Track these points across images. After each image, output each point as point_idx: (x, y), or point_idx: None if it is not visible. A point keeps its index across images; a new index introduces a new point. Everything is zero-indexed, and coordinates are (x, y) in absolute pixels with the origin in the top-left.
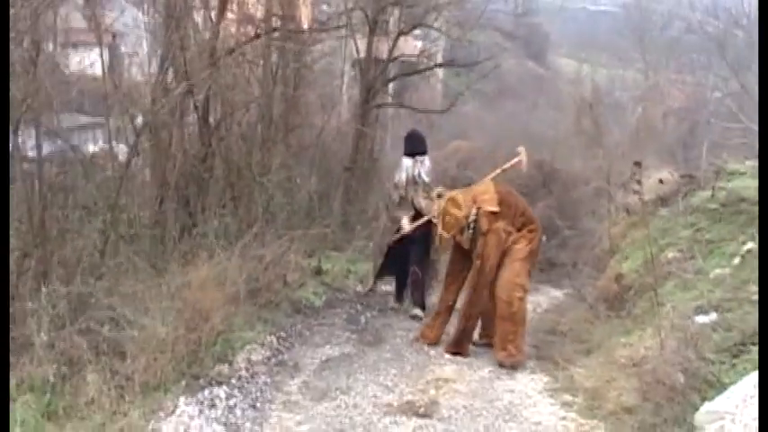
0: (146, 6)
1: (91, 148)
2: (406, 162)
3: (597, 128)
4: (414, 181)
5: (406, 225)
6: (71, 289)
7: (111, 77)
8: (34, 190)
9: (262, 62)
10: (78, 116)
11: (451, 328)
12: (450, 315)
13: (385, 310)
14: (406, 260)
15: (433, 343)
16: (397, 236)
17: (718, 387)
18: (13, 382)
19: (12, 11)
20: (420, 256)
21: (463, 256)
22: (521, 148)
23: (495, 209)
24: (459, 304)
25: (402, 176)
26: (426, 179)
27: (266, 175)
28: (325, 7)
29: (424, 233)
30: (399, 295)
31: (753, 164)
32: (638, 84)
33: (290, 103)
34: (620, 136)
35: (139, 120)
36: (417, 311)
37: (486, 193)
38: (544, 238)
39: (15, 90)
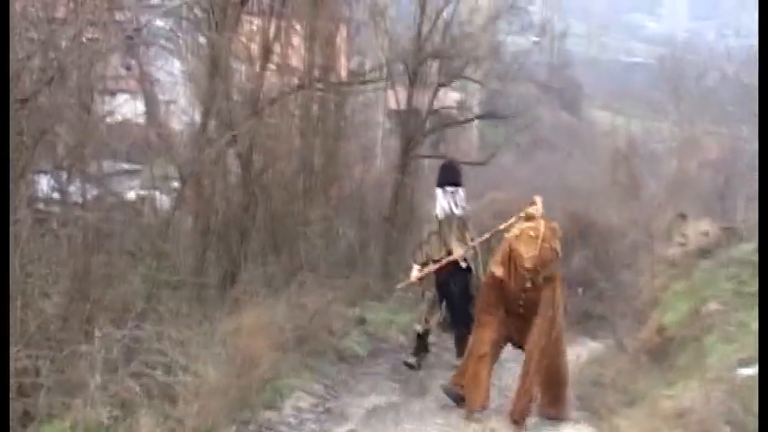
0: (185, 54)
1: (128, 195)
2: (438, 193)
3: (633, 179)
4: (446, 216)
5: (415, 272)
6: (124, 333)
7: (152, 125)
8: (79, 235)
9: (302, 113)
10: (113, 162)
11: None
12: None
13: (432, 360)
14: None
15: (484, 408)
16: (402, 284)
17: None
18: (67, 423)
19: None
20: (460, 308)
21: (500, 297)
22: (537, 198)
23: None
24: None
25: (435, 210)
26: (458, 212)
27: (307, 225)
28: (366, 60)
29: (463, 281)
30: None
31: None
32: (674, 135)
33: (330, 154)
34: (655, 188)
35: (182, 167)
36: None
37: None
38: (580, 291)
39: (66, 135)
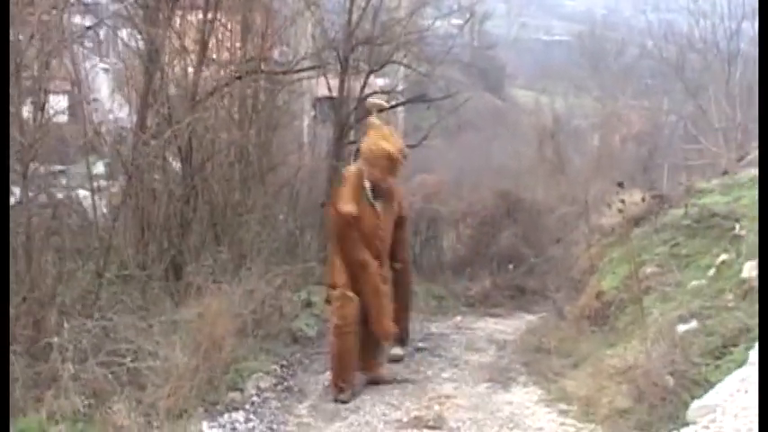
0: (105, 50)
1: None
2: None
3: (559, 156)
4: None
5: None
6: (91, 325)
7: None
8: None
9: (237, 104)
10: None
11: None
12: None
13: None
14: None
15: None
16: None
17: (706, 386)
18: (43, 414)
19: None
20: None
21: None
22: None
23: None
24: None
25: None
26: None
27: (247, 215)
28: (299, 49)
29: None
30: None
31: (719, 182)
32: (596, 111)
33: (264, 144)
34: (581, 163)
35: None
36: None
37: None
38: (511, 267)
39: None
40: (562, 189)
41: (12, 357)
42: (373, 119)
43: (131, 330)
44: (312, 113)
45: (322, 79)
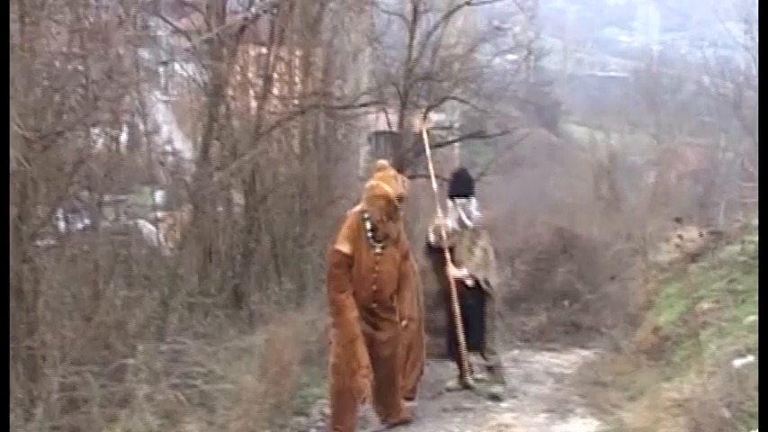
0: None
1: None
2: (449, 205)
3: (614, 193)
4: (459, 228)
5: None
6: (164, 347)
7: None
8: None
9: (299, 138)
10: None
11: None
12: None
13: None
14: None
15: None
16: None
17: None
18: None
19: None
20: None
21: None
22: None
23: None
24: None
25: (444, 221)
26: (470, 224)
27: (308, 246)
28: (361, 84)
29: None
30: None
31: None
32: (652, 148)
33: (324, 178)
34: (636, 200)
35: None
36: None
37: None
38: (566, 303)
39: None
40: (617, 226)
41: (89, 377)
42: (382, 161)
43: (201, 354)
44: (368, 147)
45: (378, 114)
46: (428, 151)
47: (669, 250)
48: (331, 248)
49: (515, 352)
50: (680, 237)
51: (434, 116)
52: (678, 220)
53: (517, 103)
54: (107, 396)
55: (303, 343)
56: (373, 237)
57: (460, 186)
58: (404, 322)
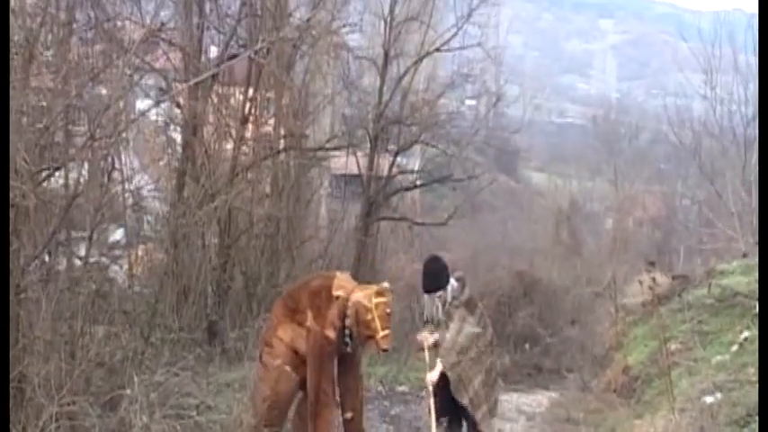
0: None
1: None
2: (426, 300)
3: (575, 238)
4: (435, 319)
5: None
6: (159, 379)
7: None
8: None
9: (271, 179)
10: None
11: None
12: None
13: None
14: None
15: None
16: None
17: None
18: None
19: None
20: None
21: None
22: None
23: None
24: None
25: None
26: (440, 314)
27: (280, 286)
28: (333, 126)
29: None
30: None
31: (739, 263)
32: (610, 194)
33: (295, 219)
34: (595, 245)
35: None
36: None
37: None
38: (527, 346)
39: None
40: (577, 271)
41: (87, 407)
42: (387, 286)
43: (191, 386)
44: (328, 190)
45: (336, 157)
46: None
47: (635, 293)
48: (321, 332)
49: None
50: (653, 279)
51: (401, 160)
52: (651, 263)
53: (478, 149)
54: (103, 426)
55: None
56: (350, 338)
57: (434, 280)
58: (348, 414)
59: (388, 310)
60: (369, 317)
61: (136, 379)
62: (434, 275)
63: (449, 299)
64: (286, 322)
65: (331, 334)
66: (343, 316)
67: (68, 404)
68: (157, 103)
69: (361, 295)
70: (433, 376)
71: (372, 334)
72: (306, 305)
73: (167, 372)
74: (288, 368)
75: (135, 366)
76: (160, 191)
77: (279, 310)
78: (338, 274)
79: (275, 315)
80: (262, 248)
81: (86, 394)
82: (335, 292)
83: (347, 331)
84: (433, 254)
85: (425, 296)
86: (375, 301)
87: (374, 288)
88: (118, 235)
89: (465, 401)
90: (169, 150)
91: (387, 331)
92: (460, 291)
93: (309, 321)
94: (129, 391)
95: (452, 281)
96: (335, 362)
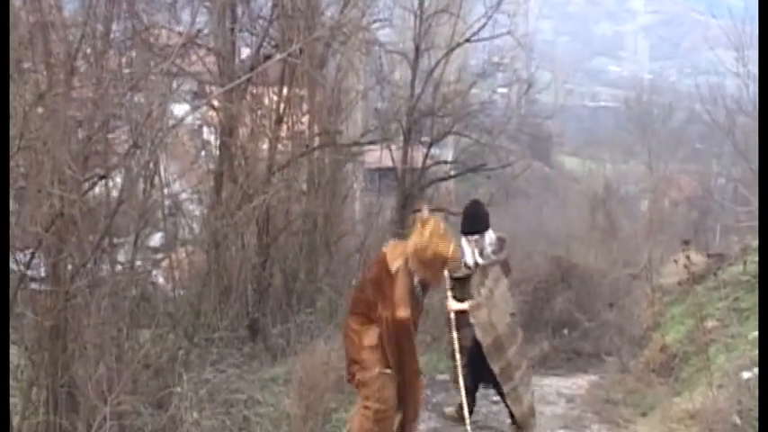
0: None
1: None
2: (463, 242)
3: (610, 222)
4: (473, 265)
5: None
6: (209, 377)
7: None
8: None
9: (307, 175)
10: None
11: None
12: None
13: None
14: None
15: None
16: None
17: None
18: None
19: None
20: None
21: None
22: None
23: None
24: None
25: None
26: (481, 261)
27: (318, 281)
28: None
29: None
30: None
31: None
32: (645, 176)
33: (332, 215)
34: (631, 228)
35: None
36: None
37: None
38: (566, 331)
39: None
40: (614, 254)
41: (139, 406)
42: (424, 213)
43: (240, 382)
44: (363, 185)
45: (371, 152)
46: None
47: (671, 273)
48: (392, 316)
49: None
50: (687, 257)
51: (434, 151)
52: (686, 242)
53: (511, 136)
54: (155, 423)
55: (333, 370)
56: (423, 291)
57: (473, 222)
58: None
59: (441, 231)
60: (429, 253)
61: (185, 377)
62: (474, 217)
63: (486, 247)
64: (366, 330)
65: (403, 313)
66: (411, 281)
67: (119, 404)
68: (196, 108)
69: (411, 245)
70: (454, 305)
71: (444, 259)
72: (374, 297)
73: (215, 369)
74: (387, 370)
75: (181, 366)
76: (198, 194)
77: (353, 323)
78: (384, 249)
79: (352, 330)
80: (300, 245)
81: (136, 394)
82: (393, 268)
83: (417, 288)
84: (475, 198)
85: (462, 239)
86: (426, 233)
87: (417, 226)
88: (156, 240)
89: (497, 368)
90: (204, 153)
91: (452, 245)
92: (499, 249)
93: (380, 310)
94: (178, 389)
95: (491, 232)
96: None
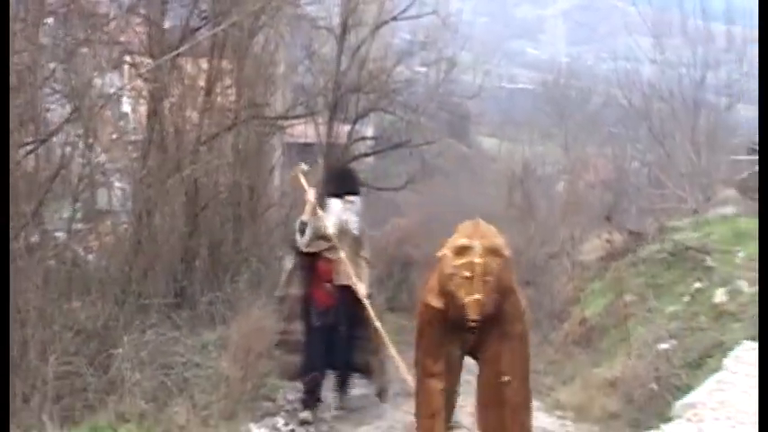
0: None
1: None
2: (332, 204)
3: (527, 201)
4: (341, 232)
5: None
6: (149, 339)
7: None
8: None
9: (233, 148)
10: None
11: None
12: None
13: None
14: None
15: None
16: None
17: (686, 389)
18: (112, 415)
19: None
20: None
21: (446, 333)
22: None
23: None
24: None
25: (330, 222)
26: (355, 231)
27: (246, 252)
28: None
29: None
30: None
31: (690, 220)
32: (562, 158)
33: (257, 187)
34: (548, 208)
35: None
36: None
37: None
38: None
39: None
40: (531, 233)
41: (82, 367)
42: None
43: (179, 346)
44: (285, 158)
45: (296, 125)
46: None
47: (591, 250)
48: (421, 300)
49: None
50: (609, 233)
51: (346, 127)
52: (608, 218)
53: (431, 115)
54: (98, 384)
55: (266, 336)
56: None
57: (349, 184)
58: (505, 378)
59: (467, 273)
60: (451, 286)
61: (125, 338)
62: (351, 177)
63: (357, 212)
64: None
65: (432, 301)
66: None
67: (61, 365)
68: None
69: (444, 257)
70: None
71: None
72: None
73: (155, 333)
74: None
75: (122, 329)
76: (124, 163)
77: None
78: (460, 227)
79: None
80: (226, 216)
81: (78, 355)
82: (440, 252)
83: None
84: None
85: (332, 201)
86: (454, 263)
87: (456, 243)
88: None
89: (363, 292)
90: (132, 123)
91: (469, 298)
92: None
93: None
94: (120, 350)
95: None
96: (445, 331)
